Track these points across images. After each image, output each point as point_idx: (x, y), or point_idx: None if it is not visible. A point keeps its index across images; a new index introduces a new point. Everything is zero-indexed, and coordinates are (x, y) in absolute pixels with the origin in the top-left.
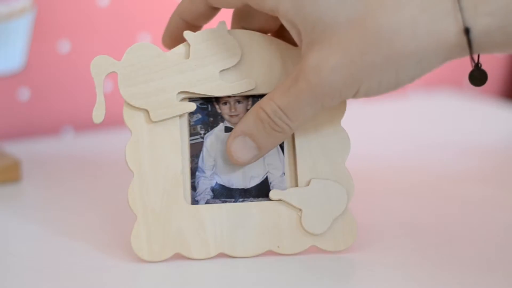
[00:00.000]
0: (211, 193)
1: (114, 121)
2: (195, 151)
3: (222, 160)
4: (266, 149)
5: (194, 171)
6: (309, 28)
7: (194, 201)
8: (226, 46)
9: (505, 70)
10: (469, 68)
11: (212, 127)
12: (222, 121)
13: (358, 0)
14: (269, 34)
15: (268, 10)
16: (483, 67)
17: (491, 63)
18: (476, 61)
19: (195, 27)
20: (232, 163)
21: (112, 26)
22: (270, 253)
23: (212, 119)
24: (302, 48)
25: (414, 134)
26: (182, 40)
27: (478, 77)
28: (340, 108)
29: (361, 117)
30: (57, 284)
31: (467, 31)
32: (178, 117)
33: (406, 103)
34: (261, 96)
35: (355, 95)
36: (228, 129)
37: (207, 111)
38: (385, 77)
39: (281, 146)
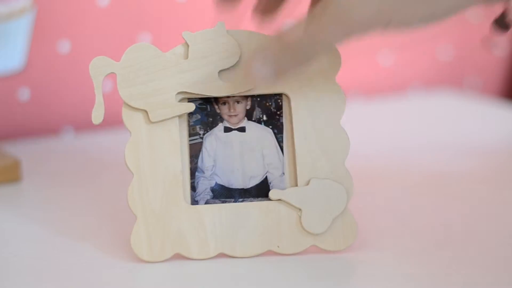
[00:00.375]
0: (210, 193)
1: (113, 122)
2: (195, 151)
3: (221, 160)
4: (285, 73)
5: (193, 171)
6: None
7: (194, 202)
8: (225, 46)
9: (505, 70)
10: (468, 69)
11: (212, 127)
12: (221, 121)
13: None
14: None
15: None
16: (482, 66)
17: (491, 63)
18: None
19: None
20: (248, 83)
21: (112, 26)
22: (270, 253)
23: (211, 119)
24: None
25: (414, 134)
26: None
27: (502, 24)
28: (339, 107)
29: (361, 117)
30: (57, 284)
31: None
32: (177, 117)
33: (406, 103)
34: (260, 96)
35: (386, 26)
36: (227, 129)
37: (206, 111)
38: (420, 8)
39: (281, 146)
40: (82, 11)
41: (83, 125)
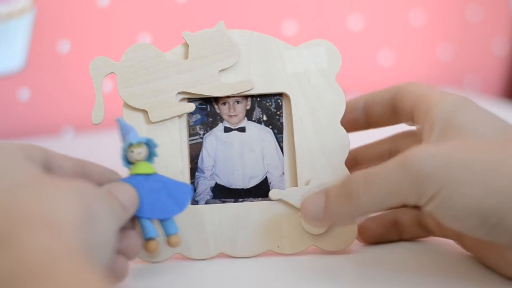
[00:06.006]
0: (210, 193)
1: (114, 122)
2: (195, 151)
3: (221, 161)
4: (331, 220)
5: (193, 171)
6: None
7: (194, 202)
8: (225, 46)
9: (505, 70)
10: (468, 69)
11: (211, 128)
12: (221, 121)
13: None
14: None
15: None
16: (482, 66)
17: (491, 63)
18: None
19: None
20: (303, 219)
21: (112, 26)
22: (270, 253)
23: (211, 119)
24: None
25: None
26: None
27: None
28: (339, 107)
29: None
30: None
31: None
32: (177, 117)
33: None
34: (260, 96)
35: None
36: (227, 129)
37: (206, 111)
38: None
39: (281, 146)
40: (82, 11)
41: (83, 125)
